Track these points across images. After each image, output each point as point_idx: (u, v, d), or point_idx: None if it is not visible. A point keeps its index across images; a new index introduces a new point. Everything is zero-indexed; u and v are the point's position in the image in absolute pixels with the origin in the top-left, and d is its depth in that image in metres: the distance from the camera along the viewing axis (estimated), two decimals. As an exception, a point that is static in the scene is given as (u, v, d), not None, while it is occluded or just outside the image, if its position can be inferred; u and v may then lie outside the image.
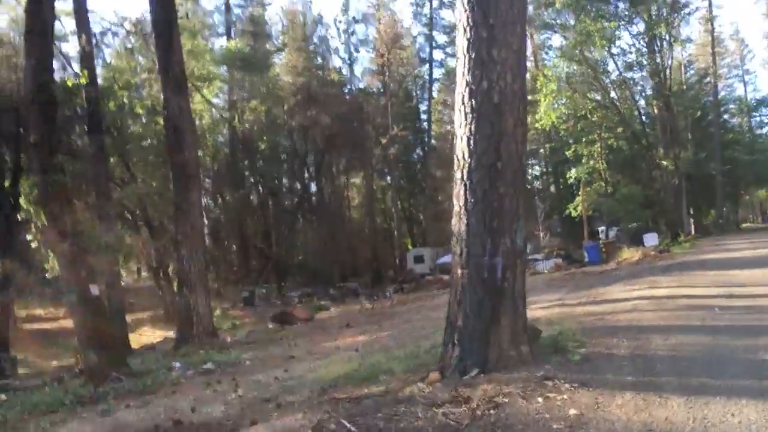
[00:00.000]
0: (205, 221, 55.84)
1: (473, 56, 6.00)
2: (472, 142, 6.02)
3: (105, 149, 19.54)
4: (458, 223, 6.13)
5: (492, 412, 4.42)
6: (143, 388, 9.54)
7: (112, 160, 37.14)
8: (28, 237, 20.90)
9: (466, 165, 6.06)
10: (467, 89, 6.06)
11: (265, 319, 23.67)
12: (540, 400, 4.64)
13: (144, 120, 38.41)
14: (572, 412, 4.27)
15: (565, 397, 4.67)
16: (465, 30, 6.08)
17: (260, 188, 50.10)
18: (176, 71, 15.89)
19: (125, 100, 31.67)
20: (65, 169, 10.58)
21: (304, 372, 8.87)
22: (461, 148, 6.13)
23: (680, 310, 8.91)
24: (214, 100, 48.92)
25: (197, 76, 41.53)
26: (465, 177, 6.07)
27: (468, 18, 6.05)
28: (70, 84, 13.44)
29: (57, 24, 14.73)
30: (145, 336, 32.03)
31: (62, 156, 10.44)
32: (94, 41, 22.27)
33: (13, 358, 21.42)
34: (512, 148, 6.01)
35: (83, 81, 16.17)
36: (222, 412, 6.97)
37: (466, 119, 6.08)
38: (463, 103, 6.10)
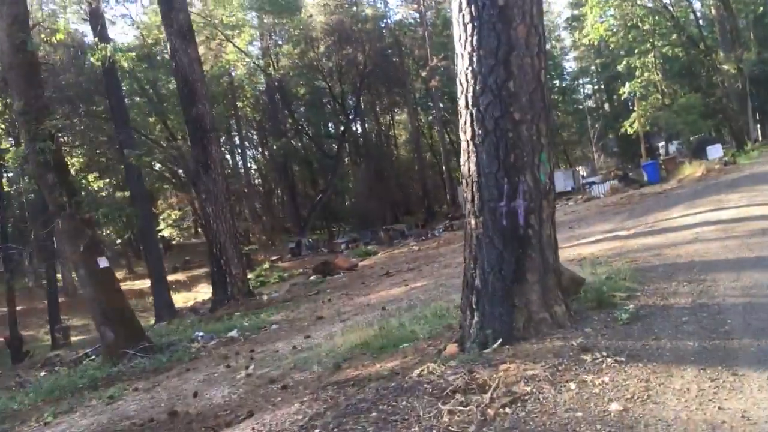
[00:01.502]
0: (254, 173, 56.15)
1: (467, -54, 4.75)
2: (475, 59, 4.81)
3: (125, 111, 18.73)
4: (467, 162, 4.99)
5: (508, 410, 3.38)
6: (159, 365, 8.94)
7: (151, 119, 37.06)
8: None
9: (470, 88, 4.87)
10: (464, -9, 4.82)
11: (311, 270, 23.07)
12: (573, 386, 3.56)
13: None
14: (614, 407, 3.19)
15: (605, 380, 3.58)
16: None
17: (303, 134, 49.08)
18: (180, 18, 14.83)
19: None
20: (54, 136, 9.70)
21: (325, 339, 8.06)
22: (463, 69, 4.93)
23: (752, 236, 7.55)
24: (250, 49, 47.83)
25: (226, 25, 40.53)
26: (470, 104, 4.90)
27: None
28: (60, 36, 12.39)
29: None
30: (201, 293, 32.28)
31: (51, 122, 9.51)
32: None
33: (65, 327, 21.57)
34: (526, 62, 4.77)
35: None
36: (223, 398, 6.22)
37: (465, 30, 4.86)
38: (461, 10, 4.87)
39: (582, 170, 53.44)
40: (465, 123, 4.97)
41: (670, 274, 6.22)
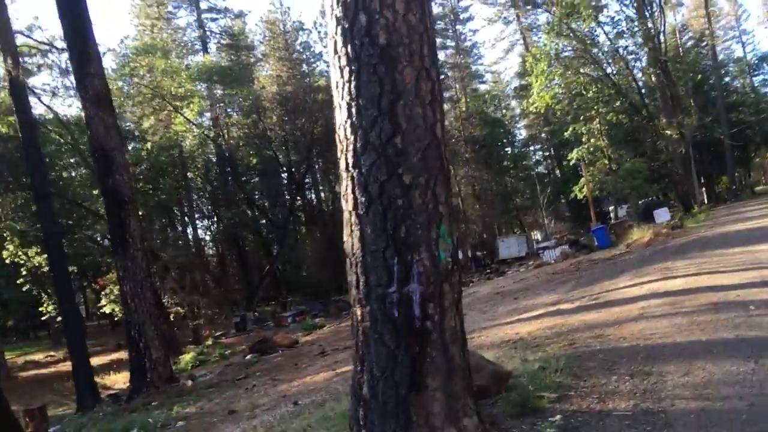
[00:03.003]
0: (208, 244, 54.33)
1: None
2: (354, 109, 3.90)
3: (45, 182, 17.50)
4: (350, 237, 4.01)
5: None
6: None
7: (95, 192, 35.61)
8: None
9: (350, 146, 3.95)
10: (338, 28, 3.95)
11: (254, 347, 21.59)
12: None
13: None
14: None
15: None
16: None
17: (254, 205, 47.88)
18: (95, 84, 13.84)
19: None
20: None
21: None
22: (342, 122, 4.02)
23: (702, 313, 6.69)
24: (200, 119, 47.01)
25: (174, 95, 39.86)
26: (350, 165, 3.96)
27: None
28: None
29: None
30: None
31: None
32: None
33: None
34: (417, 113, 3.87)
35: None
36: None
37: (342, 75, 3.96)
38: (336, 51, 3.99)
39: (538, 235, 53.43)
40: (346, 189, 4.01)
41: (610, 363, 5.26)
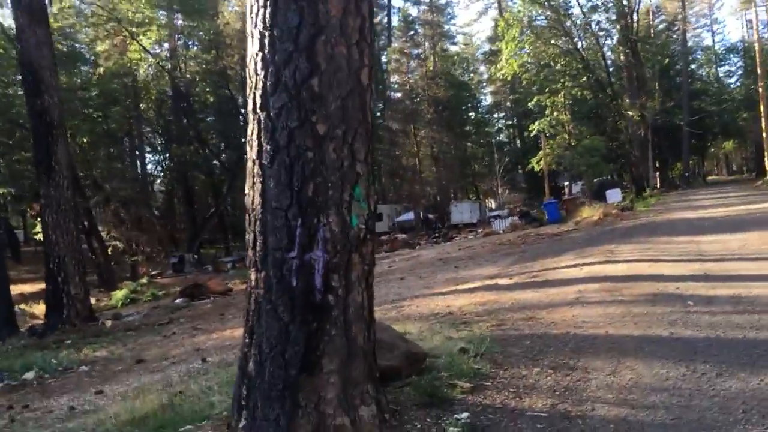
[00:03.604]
0: (156, 179, 52.59)
1: None
2: (267, 41, 3.30)
3: None
4: (251, 191, 3.45)
5: None
6: None
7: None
8: None
9: (260, 84, 3.35)
10: (255, -56, 3.31)
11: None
12: None
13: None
14: None
15: None
16: None
17: (207, 144, 46.26)
18: (30, -7, 12.69)
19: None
20: None
21: (113, 399, 6.29)
22: (253, 55, 3.41)
23: (639, 304, 6.38)
24: (158, 50, 44.92)
25: (131, 21, 37.91)
26: (258, 106, 3.37)
27: None
28: None
29: None
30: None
31: None
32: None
33: None
34: (340, 53, 3.29)
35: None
36: None
37: (257, 1, 3.34)
38: (252, -27, 3.35)
39: (492, 203, 53.51)
40: (251, 134, 3.43)
41: (536, 352, 4.88)
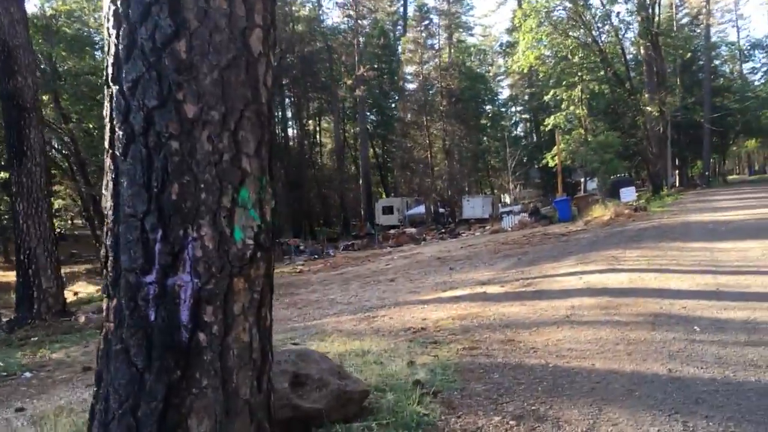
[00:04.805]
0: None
1: None
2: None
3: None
4: (105, 192, 2.61)
5: None
6: None
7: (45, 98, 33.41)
8: None
9: (112, 47, 2.50)
10: None
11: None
12: None
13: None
14: None
15: None
16: None
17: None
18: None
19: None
20: None
21: (30, 419, 5.50)
22: (106, 9, 2.56)
23: (637, 327, 5.47)
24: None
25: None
26: (110, 77, 2.52)
27: None
28: None
29: None
30: (79, 293, 28.66)
31: None
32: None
33: None
34: (217, 6, 2.43)
35: None
36: None
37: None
38: None
39: (507, 198, 52.39)
40: (106, 116, 2.59)
41: (502, 391, 4.00)
